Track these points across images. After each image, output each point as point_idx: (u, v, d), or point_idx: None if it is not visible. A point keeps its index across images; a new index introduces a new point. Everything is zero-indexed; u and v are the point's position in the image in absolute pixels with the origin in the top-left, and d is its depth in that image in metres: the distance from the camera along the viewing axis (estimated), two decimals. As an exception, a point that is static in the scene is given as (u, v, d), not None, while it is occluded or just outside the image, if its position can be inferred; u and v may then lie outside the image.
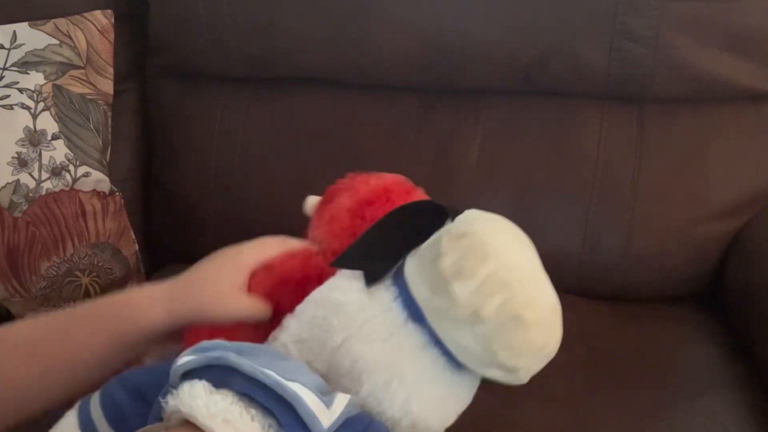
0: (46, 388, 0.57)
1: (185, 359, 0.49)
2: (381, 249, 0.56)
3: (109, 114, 1.02)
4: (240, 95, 1.09)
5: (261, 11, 1.02)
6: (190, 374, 0.48)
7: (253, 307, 0.60)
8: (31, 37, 0.96)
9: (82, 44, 0.99)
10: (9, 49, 0.94)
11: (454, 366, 0.55)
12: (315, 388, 0.47)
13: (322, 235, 0.66)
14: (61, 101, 0.95)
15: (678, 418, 0.81)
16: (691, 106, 1.01)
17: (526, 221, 1.01)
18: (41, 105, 0.94)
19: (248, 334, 0.60)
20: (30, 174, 0.92)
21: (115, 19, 1.03)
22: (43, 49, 0.96)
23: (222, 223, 1.09)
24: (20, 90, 0.93)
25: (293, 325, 0.57)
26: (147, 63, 1.13)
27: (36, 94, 0.94)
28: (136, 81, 1.13)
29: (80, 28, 1.00)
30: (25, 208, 0.91)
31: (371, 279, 0.55)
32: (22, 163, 0.91)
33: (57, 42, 0.97)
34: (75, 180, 0.95)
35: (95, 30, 1.01)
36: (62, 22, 0.98)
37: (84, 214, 0.96)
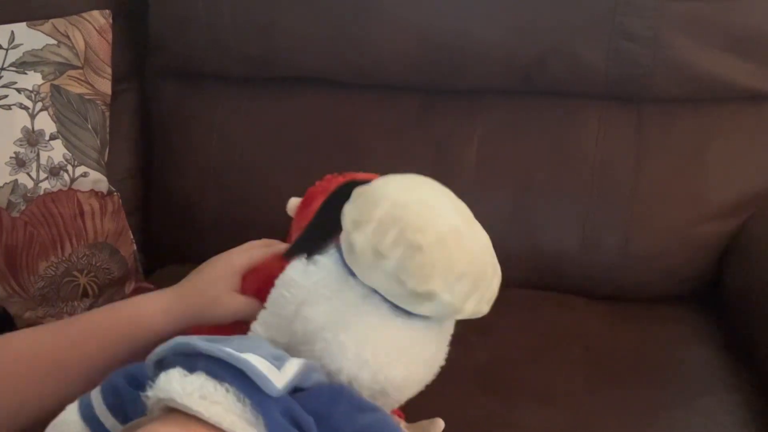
0: (61, 397, 0.60)
1: (155, 350, 0.54)
2: (323, 229, 0.62)
3: (107, 114, 1.02)
4: (240, 95, 1.09)
5: (261, 11, 1.02)
6: (164, 369, 0.52)
7: (247, 306, 0.65)
8: (29, 37, 0.96)
9: (80, 44, 0.99)
10: (7, 50, 0.94)
11: (401, 312, 0.58)
12: (270, 357, 0.51)
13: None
14: (59, 101, 0.95)
15: (677, 418, 0.81)
16: (690, 106, 1.01)
17: (525, 221, 1.03)
18: (39, 105, 0.94)
19: (244, 331, 0.63)
20: (28, 174, 0.92)
21: (114, 18, 1.03)
22: (41, 49, 0.96)
23: (221, 223, 1.09)
24: (18, 90, 0.93)
25: (261, 312, 0.62)
26: (146, 63, 1.13)
27: (34, 94, 0.94)
28: (136, 81, 1.13)
29: (78, 29, 0.99)
30: (23, 208, 0.91)
31: (309, 251, 0.61)
32: (20, 163, 0.91)
33: (55, 42, 0.97)
34: (73, 180, 0.94)
35: (93, 30, 1.01)
36: (60, 22, 0.98)
37: (82, 214, 0.95)
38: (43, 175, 0.92)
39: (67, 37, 0.98)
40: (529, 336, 0.92)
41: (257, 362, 0.50)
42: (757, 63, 0.98)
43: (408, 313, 0.58)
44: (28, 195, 0.91)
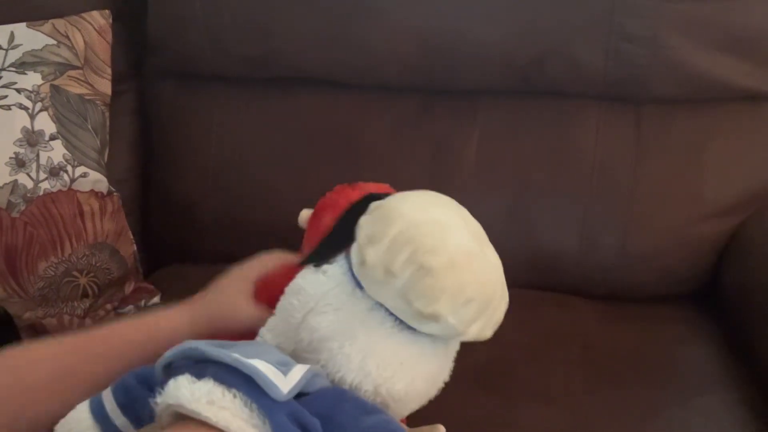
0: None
1: (164, 354, 0.56)
2: (337, 240, 0.63)
3: (107, 114, 1.02)
4: (238, 95, 1.09)
5: (260, 11, 1.02)
6: (173, 373, 0.54)
7: (262, 314, 0.66)
8: (28, 37, 0.96)
9: (79, 44, 0.99)
10: (7, 50, 0.94)
11: (406, 327, 0.59)
12: (276, 363, 0.53)
13: (311, 250, 0.69)
14: (58, 101, 0.95)
15: (676, 417, 0.81)
16: (688, 106, 1.02)
17: (524, 221, 1.03)
18: (39, 105, 0.94)
19: (252, 338, 0.64)
20: (28, 174, 0.92)
21: (113, 19, 1.03)
22: (41, 50, 0.96)
23: (220, 223, 1.09)
24: (18, 90, 0.93)
25: (270, 319, 0.63)
26: (145, 63, 1.13)
27: (34, 94, 0.94)
28: (135, 81, 1.13)
29: (78, 29, 0.99)
30: (23, 208, 0.91)
31: (320, 260, 0.62)
32: (20, 163, 0.91)
33: (55, 42, 0.97)
34: (73, 180, 0.95)
35: (93, 30, 1.01)
36: (60, 23, 0.98)
37: (82, 214, 0.95)
38: (42, 176, 0.92)
39: (67, 37, 0.98)
40: (528, 336, 0.92)
41: (264, 368, 0.51)
42: (755, 63, 0.98)
43: (414, 329, 0.59)
44: (28, 195, 0.91)
